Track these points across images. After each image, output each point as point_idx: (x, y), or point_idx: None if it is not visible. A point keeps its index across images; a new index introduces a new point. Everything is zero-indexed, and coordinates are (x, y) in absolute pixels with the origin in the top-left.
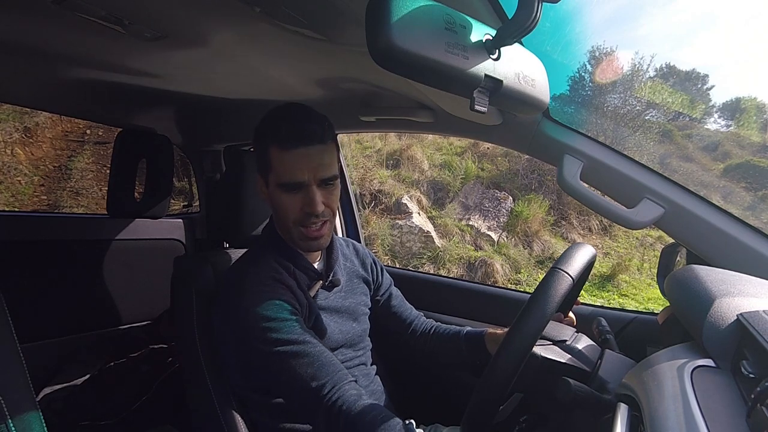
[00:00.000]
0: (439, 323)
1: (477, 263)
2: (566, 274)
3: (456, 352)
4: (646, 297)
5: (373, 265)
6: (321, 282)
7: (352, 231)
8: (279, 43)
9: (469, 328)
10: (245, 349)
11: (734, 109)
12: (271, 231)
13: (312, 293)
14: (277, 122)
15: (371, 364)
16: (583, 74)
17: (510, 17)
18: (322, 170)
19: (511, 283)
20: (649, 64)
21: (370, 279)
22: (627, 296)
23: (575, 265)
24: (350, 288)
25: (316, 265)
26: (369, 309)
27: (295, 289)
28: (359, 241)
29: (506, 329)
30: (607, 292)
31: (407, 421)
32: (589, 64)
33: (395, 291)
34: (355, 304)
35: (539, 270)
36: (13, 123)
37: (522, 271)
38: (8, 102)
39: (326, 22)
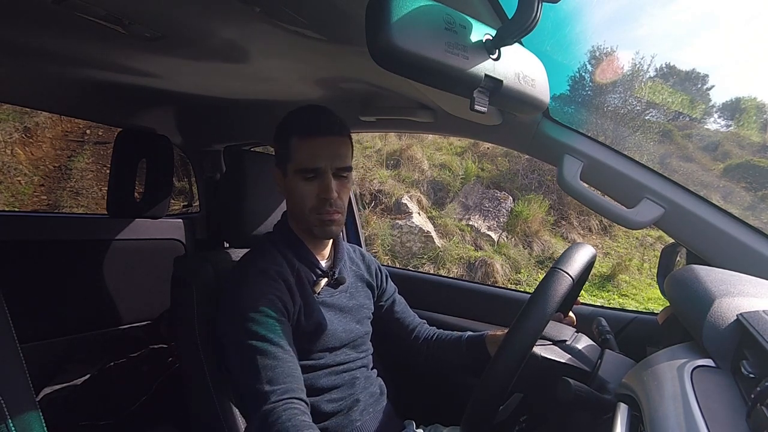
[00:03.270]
0: (441, 330)
1: (477, 263)
2: (566, 274)
3: (457, 356)
4: (646, 297)
5: (378, 271)
6: (326, 279)
7: (352, 231)
8: (279, 43)
9: (470, 333)
10: (224, 331)
11: (734, 109)
12: (282, 226)
13: (317, 289)
14: (299, 116)
15: (372, 368)
16: (583, 74)
17: (510, 17)
18: (338, 160)
19: (511, 283)
20: (649, 65)
21: (375, 284)
22: (627, 296)
23: (575, 265)
24: (355, 290)
25: (323, 263)
26: (372, 314)
27: (292, 286)
28: (359, 241)
29: (507, 330)
30: (607, 292)
31: (406, 422)
32: (590, 64)
33: (399, 298)
34: (359, 306)
35: (539, 270)
36: (13, 123)
37: (522, 271)
38: (8, 102)
39: (326, 22)
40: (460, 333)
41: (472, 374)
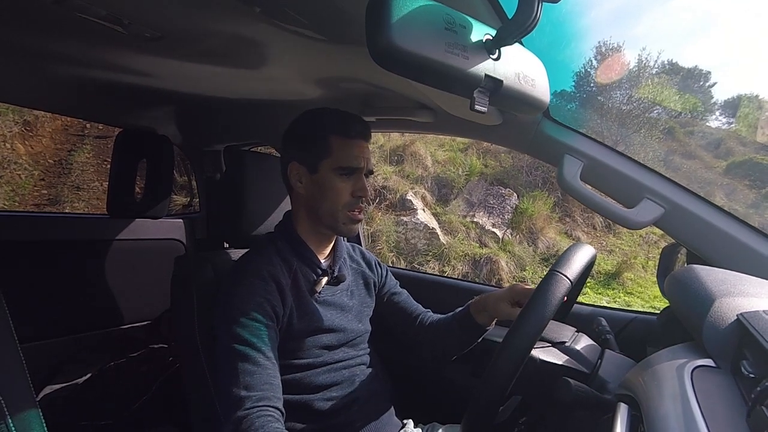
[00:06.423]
0: (442, 315)
1: (482, 260)
2: (564, 277)
3: (452, 334)
4: (652, 295)
5: (377, 265)
6: (327, 277)
7: None
8: (279, 43)
9: (457, 309)
10: (215, 330)
11: (736, 107)
12: (285, 227)
13: (318, 288)
14: (338, 117)
15: (370, 366)
16: (583, 73)
17: (510, 17)
18: (370, 163)
19: (516, 281)
20: (653, 62)
21: (375, 279)
22: (632, 294)
23: (574, 267)
24: (356, 287)
25: (323, 262)
26: (373, 311)
27: (284, 288)
28: (360, 240)
29: (489, 292)
30: (612, 290)
31: (405, 421)
32: (594, 60)
33: (401, 290)
34: (359, 304)
35: (544, 267)
36: (12, 117)
37: (527, 268)
38: (8, 102)
39: (326, 22)
40: (451, 313)
41: (468, 348)
